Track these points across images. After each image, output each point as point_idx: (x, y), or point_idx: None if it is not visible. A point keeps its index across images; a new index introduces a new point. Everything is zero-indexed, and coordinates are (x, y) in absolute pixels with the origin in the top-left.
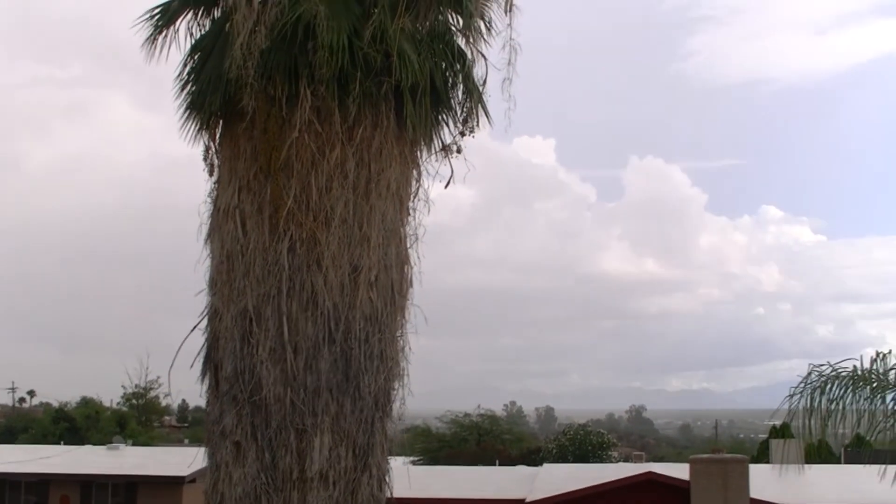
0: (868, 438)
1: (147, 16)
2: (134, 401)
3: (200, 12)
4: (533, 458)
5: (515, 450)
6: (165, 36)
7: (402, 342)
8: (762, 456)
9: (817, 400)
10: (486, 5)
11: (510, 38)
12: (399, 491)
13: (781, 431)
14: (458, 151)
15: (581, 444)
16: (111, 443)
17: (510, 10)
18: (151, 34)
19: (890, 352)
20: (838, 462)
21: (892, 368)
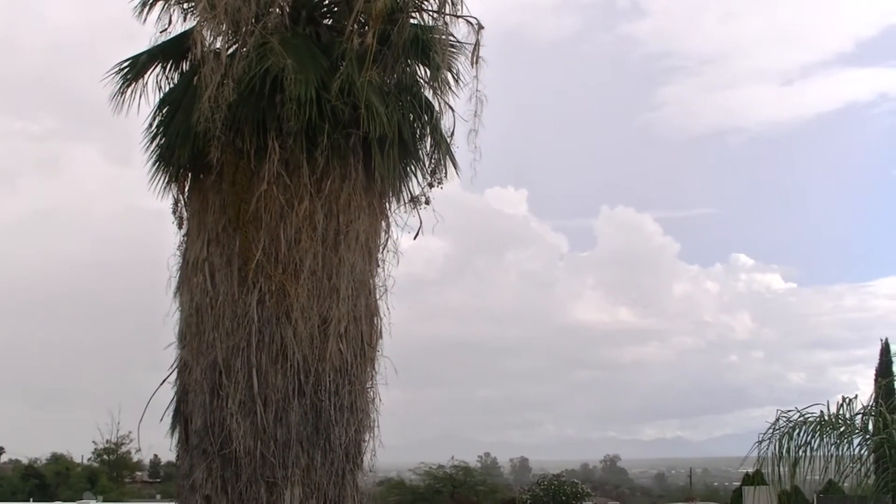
0: (838, 483)
1: (116, 69)
2: (105, 456)
3: (169, 66)
4: None
5: (489, 501)
6: (134, 89)
7: (372, 394)
8: (736, 503)
9: (785, 446)
10: (454, 57)
11: (477, 90)
12: None
13: (754, 479)
14: (427, 203)
15: (555, 494)
16: (81, 499)
17: (477, 63)
18: (120, 87)
19: (856, 397)
20: None
21: (858, 413)
